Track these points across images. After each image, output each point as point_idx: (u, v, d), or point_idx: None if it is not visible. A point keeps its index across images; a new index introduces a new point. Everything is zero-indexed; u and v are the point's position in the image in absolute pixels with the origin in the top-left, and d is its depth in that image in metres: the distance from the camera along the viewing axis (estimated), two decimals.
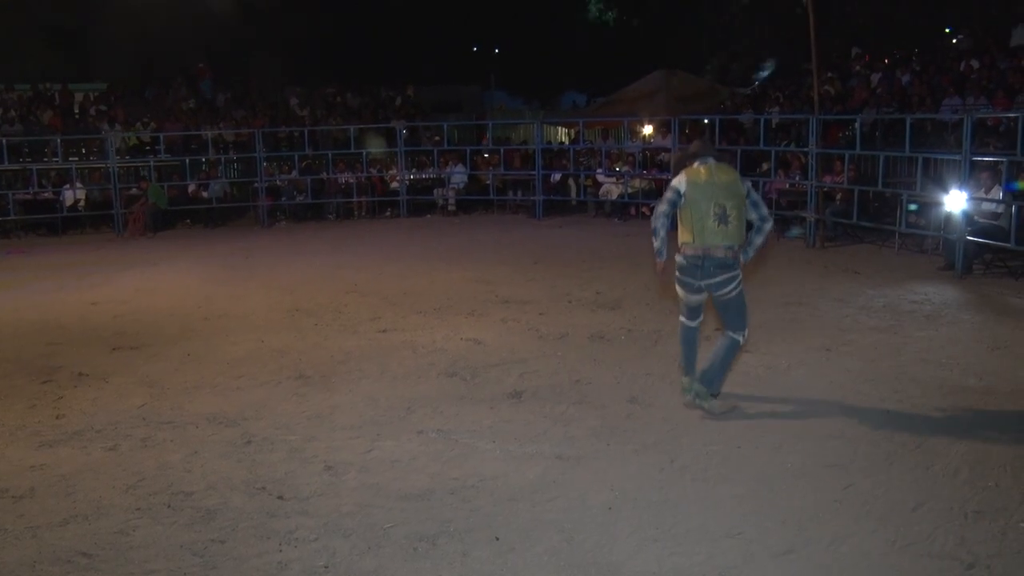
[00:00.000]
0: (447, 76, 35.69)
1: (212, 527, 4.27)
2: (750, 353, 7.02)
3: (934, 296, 9.02)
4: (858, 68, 19.46)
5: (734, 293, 5.60)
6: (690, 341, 5.83)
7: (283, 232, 16.39)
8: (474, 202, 18.34)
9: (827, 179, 12.72)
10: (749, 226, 5.64)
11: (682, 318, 5.86)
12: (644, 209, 16.22)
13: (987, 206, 10.28)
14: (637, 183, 16.60)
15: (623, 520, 4.24)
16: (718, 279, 5.54)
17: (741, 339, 5.72)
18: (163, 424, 5.76)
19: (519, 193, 17.98)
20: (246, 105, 23.43)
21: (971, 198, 10.15)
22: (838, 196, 12.87)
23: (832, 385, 6.19)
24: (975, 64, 16.55)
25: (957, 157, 10.49)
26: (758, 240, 5.64)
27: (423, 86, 30.30)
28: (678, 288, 5.76)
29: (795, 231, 13.29)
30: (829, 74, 19.11)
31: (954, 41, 21.70)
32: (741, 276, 5.61)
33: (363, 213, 18.28)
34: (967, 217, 10.11)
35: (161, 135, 19.57)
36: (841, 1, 25.12)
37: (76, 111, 22.54)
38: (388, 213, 18.20)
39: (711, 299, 5.71)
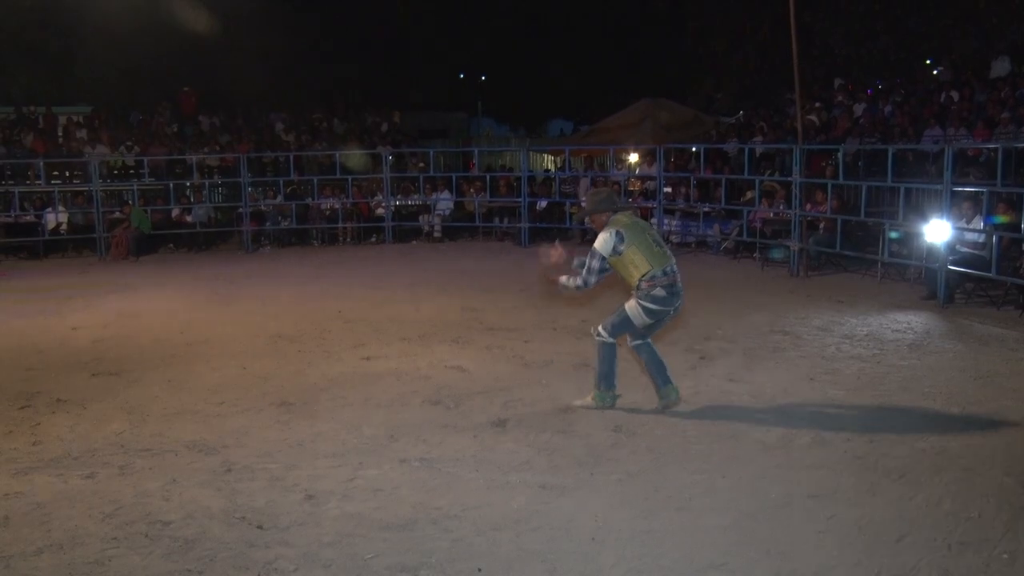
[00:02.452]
0: (434, 103, 35.83)
1: (190, 557, 4.21)
2: (733, 382, 7.03)
3: (917, 325, 9.06)
4: (840, 98, 19.65)
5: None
6: (615, 358, 6.30)
7: (267, 257, 16.35)
8: (460, 229, 18.35)
9: (810, 208, 12.79)
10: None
11: (610, 339, 6.23)
12: None
13: (969, 236, 10.35)
14: None
15: (607, 550, 4.20)
16: (681, 301, 6.14)
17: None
18: (142, 451, 5.68)
19: (505, 220, 18.01)
20: (231, 130, 23.41)
21: (954, 227, 10.22)
22: (821, 225, 12.95)
23: (815, 414, 6.18)
24: (955, 96, 16.74)
25: (938, 187, 10.58)
26: None
27: (409, 112, 30.41)
28: (641, 315, 6.05)
29: (777, 253, 13.36)
30: (816, 104, 19.28)
31: (935, 73, 21.96)
32: None
33: (348, 239, 18.25)
34: (949, 247, 10.17)
35: (145, 159, 19.53)
36: (824, 32, 25.38)
37: (60, 134, 22.47)
38: (373, 239, 18.18)
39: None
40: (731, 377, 7.19)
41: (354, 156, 19.88)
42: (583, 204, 6.27)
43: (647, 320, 6.07)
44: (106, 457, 5.60)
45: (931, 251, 10.55)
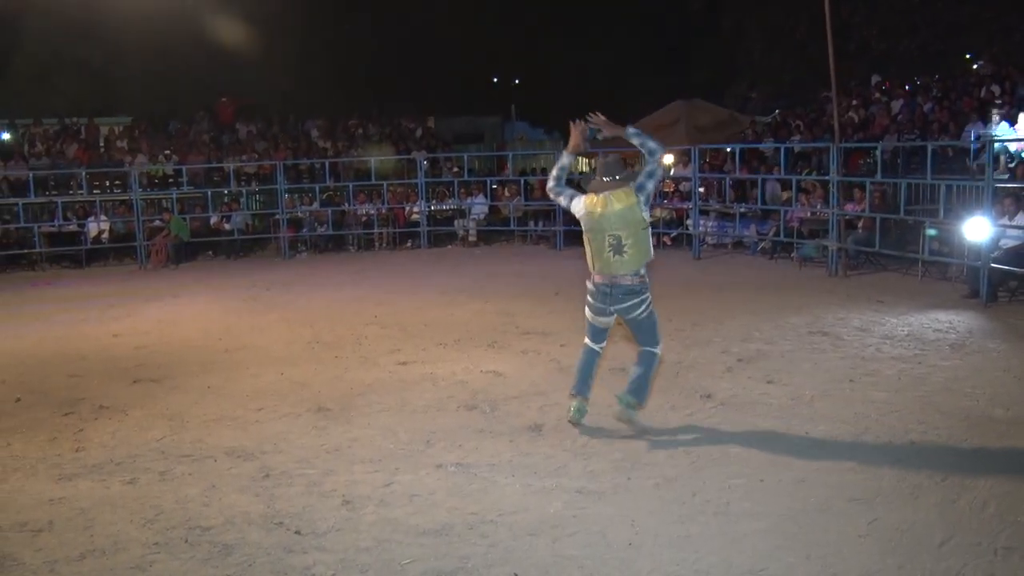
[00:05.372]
0: (468, 107, 35.88)
1: (229, 562, 4.24)
2: (772, 384, 6.96)
3: (959, 325, 8.92)
4: (878, 95, 19.42)
5: (644, 315, 5.84)
6: (589, 363, 6.05)
7: (304, 264, 16.46)
8: (495, 233, 18.37)
9: (848, 207, 12.65)
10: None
11: (587, 340, 6.09)
12: (665, 239, 16.19)
13: (1012, 232, 10.18)
14: (658, 212, 16.57)
15: (644, 556, 4.18)
16: (627, 304, 5.78)
17: (658, 351, 5.97)
18: (182, 457, 5.75)
19: (540, 224, 17.99)
20: (268, 137, 23.64)
21: (995, 224, 10.06)
22: (860, 224, 12.80)
23: (856, 416, 6.10)
24: (996, 90, 16.47)
25: (980, 183, 10.41)
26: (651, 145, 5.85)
27: (444, 117, 30.47)
28: (587, 311, 5.99)
29: (808, 250, 13.24)
30: (854, 101, 19.07)
31: (974, 67, 21.61)
32: (650, 298, 5.85)
33: (384, 244, 18.34)
34: (992, 243, 10.01)
35: (184, 167, 19.78)
36: (861, 27, 25.07)
37: (101, 144, 22.83)
38: (409, 244, 18.26)
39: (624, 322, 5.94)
40: (769, 379, 7.12)
41: (384, 159, 20.03)
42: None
43: (588, 312, 5.98)
44: (147, 463, 5.67)
45: (973, 249, 10.38)
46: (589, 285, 5.92)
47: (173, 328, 10.24)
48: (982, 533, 4.28)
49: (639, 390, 5.89)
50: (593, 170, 6.20)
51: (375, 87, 32.12)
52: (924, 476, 4.98)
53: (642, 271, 5.78)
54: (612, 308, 5.82)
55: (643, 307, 5.80)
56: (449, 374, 7.62)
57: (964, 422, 5.92)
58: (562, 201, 6.07)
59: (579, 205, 5.89)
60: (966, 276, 10.71)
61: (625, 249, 5.69)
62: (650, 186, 5.78)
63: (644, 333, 5.93)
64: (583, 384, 6.02)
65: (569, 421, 6.02)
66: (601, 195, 5.79)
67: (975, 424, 5.87)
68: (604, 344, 6.15)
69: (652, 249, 5.88)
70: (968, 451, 5.37)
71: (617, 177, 5.85)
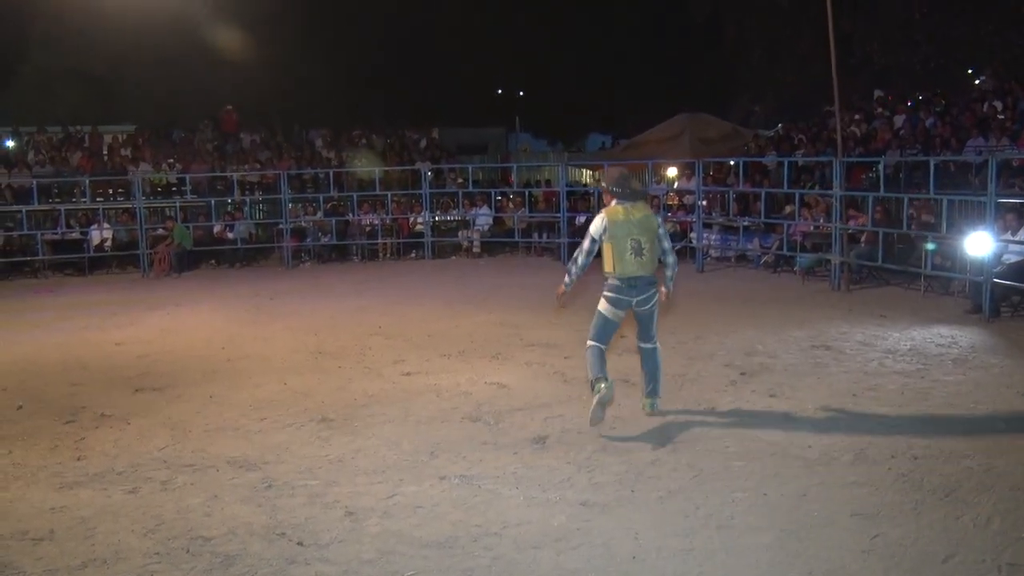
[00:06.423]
0: (472, 118, 35.95)
1: (230, 573, 4.24)
2: (775, 398, 6.96)
3: (961, 340, 8.91)
4: (880, 110, 19.44)
5: (656, 305, 6.48)
6: (602, 356, 6.44)
7: (308, 273, 16.47)
8: (499, 244, 18.39)
9: (851, 221, 12.65)
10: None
11: (594, 344, 6.44)
12: None
13: (1014, 247, 10.18)
14: None
15: (647, 569, 4.17)
16: (648, 293, 6.39)
17: (659, 345, 6.62)
18: (184, 467, 5.75)
19: (544, 235, 18.01)
20: (271, 147, 23.68)
21: (997, 240, 10.07)
22: (862, 238, 12.80)
23: (858, 431, 6.09)
24: (998, 105, 16.49)
25: (983, 199, 10.42)
26: (670, 274, 6.64)
27: (448, 128, 30.53)
28: (607, 307, 6.42)
29: (806, 260, 13.27)
30: (856, 116, 19.09)
31: (976, 82, 21.63)
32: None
33: (388, 255, 18.36)
34: (995, 258, 10.01)
35: (187, 176, 19.82)
36: (863, 43, 25.11)
37: (105, 152, 22.87)
38: (413, 255, 18.28)
39: (634, 315, 6.50)
40: (772, 393, 7.11)
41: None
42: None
43: (610, 308, 6.40)
44: (149, 472, 5.66)
45: (975, 264, 10.38)
46: (611, 282, 6.37)
47: (176, 337, 10.24)
48: (986, 550, 4.27)
49: (656, 386, 6.60)
50: (598, 182, 6.55)
51: (379, 97, 32.18)
52: (927, 492, 4.98)
53: (652, 273, 6.42)
54: (636, 299, 6.35)
55: (656, 297, 6.45)
56: (453, 385, 7.61)
57: (967, 438, 5.90)
58: (587, 245, 6.45)
59: (598, 224, 6.36)
60: (969, 291, 10.71)
61: (644, 252, 6.31)
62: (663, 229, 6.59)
63: (652, 324, 6.51)
64: (602, 370, 6.34)
65: (603, 401, 6.15)
66: (622, 205, 6.39)
67: (978, 440, 5.86)
68: (609, 343, 6.57)
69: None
70: (972, 467, 5.35)
71: (629, 189, 6.49)
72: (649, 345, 6.56)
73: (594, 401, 6.14)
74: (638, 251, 6.28)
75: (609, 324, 6.45)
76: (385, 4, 30.91)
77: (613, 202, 6.44)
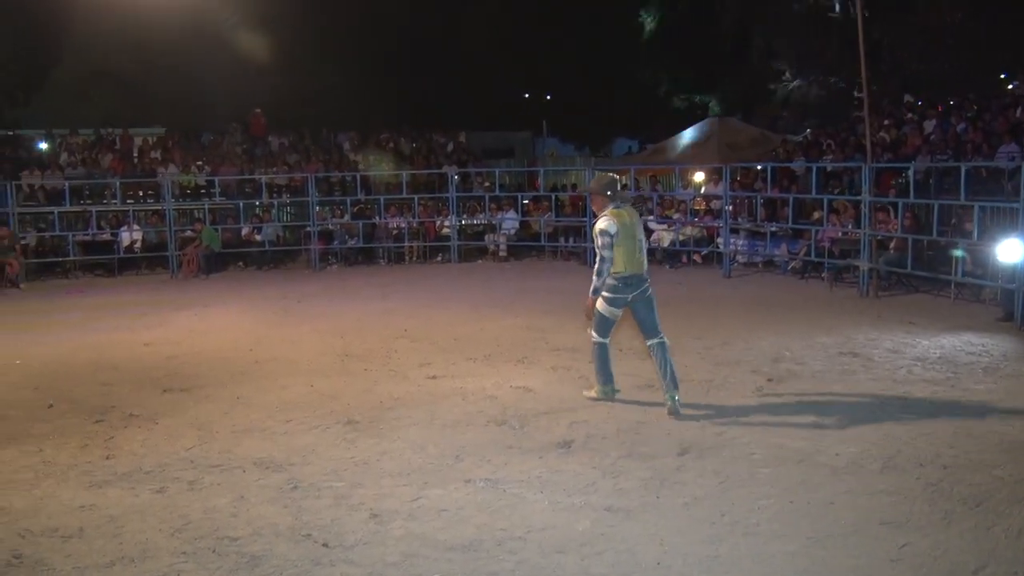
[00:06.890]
0: (499, 122, 35.97)
1: (256, 574, 4.26)
2: (802, 404, 6.90)
3: (992, 348, 8.81)
4: (910, 115, 19.27)
5: (652, 295, 6.86)
6: (608, 356, 7.07)
7: (334, 276, 16.55)
8: (525, 248, 18.39)
9: (880, 227, 12.55)
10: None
11: (600, 340, 6.99)
12: (696, 256, 16.16)
13: None
14: (689, 230, 16.55)
15: (672, 575, 4.16)
16: (643, 287, 6.80)
17: (665, 339, 6.83)
18: (211, 467, 5.79)
19: (570, 240, 17.99)
20: (300, 150, 23.82)
21: None
22: (891, 244, 12.69)
23: (887, 439, 6.03)
24: None
25: (1015, 205, 10.30)
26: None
27: (475, 132, 30.58)
28: (606, 307, 6.84)
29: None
30: (886, 121, 18.94)
31: (1009, 87, 21.38)
32: None
33: (414, 258, 18.42)
34: None
35: (216, 178, 19.98)
36: (892, 48, 24.90)
37: (135, 155, 23.11)
38: (439, 258, 18.33)
39: (633, 313, 6.88)
40: (800, 400, 7.06)
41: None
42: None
43: (609, 308, 6.83)
44: (176, 472, 5.71)
45: (1007, 271, 10.25)
46: (610, 282, 6.73)
47: (204, 338, 10.32)
48: (1017, 561, 4.21)
49: (673, 382, 6.71)
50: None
51: (407, 101, 32.29)
52: (957, 501, 4.92)
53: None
54: (632, 295, 6.75)
55: (651, 289, 6.86)
56: (479, 389, 7.62)
57: (998, 447, 5.83)
58: (609, 250, 6.71)
59: (609, 222, 6.67)
60: (1000, 299, 10.59)
61: (643, 250, 6.85)
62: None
63: (653, 315, 6.84)
64: (611, 378, 7.10)
65: (607, 398, 7.02)
66: (622, 208, 6.80)
67: (1009, 450, 5.78)
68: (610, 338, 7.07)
69: None
70: (1003, 477, 5.28)
71: (620, 193, 6.99)
72: (656, 340, 6.81)
73: (594, 395, 7.11)
74: (641, 249, 6.78)
75: (608, 322, 6.92)
76: (413, 7, 31.04)
77: (610, 206, 6.77)
